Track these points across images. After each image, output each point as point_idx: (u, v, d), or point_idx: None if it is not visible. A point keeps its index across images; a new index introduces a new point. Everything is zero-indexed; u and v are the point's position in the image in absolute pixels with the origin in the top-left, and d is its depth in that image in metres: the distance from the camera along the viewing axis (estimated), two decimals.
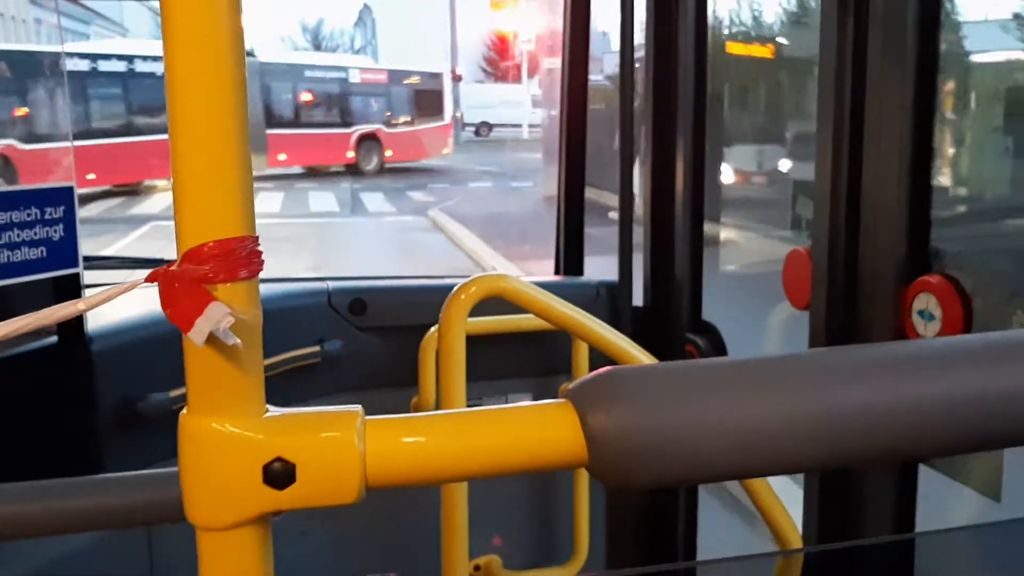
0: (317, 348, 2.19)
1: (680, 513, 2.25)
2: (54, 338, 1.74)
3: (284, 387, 2.13)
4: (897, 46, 1.46)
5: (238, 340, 0.51)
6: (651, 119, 2.27)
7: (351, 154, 23.15)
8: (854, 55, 1.52)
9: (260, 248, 0.55)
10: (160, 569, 1.87)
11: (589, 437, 0.56)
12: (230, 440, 0.54)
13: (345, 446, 0.54)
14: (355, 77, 23.65)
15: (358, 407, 0.57)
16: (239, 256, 0.53)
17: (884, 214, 1.49)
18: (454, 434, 0.57)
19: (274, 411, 0.57)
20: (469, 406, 2.16)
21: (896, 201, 1.47)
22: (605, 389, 0.57)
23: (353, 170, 23.07)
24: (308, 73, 23.17)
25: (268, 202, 17.36)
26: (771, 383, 0.58)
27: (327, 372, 2.23)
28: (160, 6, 0.52)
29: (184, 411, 0.55)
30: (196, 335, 0.50)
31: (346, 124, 23.14)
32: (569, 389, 0.59)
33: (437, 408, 2.13)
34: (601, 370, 0.59)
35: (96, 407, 1.80)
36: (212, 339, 0.51)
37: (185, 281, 0.52)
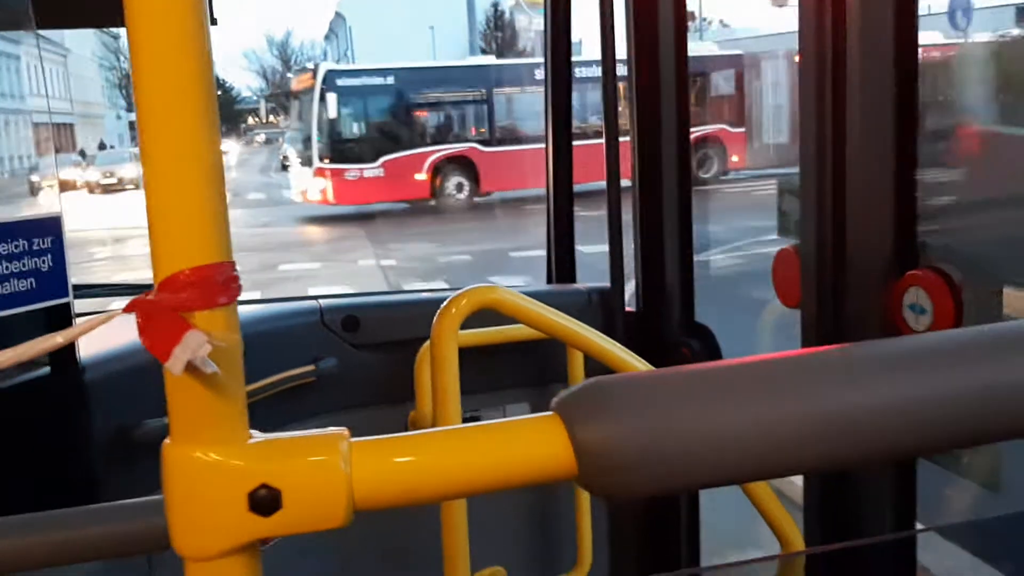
0: (312, 367, 2.18)
1: (682, 518, 2.24)
2: (47, 368, 1.73)
3: (280, 408, 2.12)
4: (876, 40, 1.46)
5: (216, 368, 0.51)
6: (636, 124, 2.27)
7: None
8: (833, 50, 1.53)
9: (237, 273, 0.54)
10: None
11: (578, 449, 0.55)
12: (214, 468, 0.53)
13: (330, 470, 0.54)
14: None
15: (343, 430, 0.57)
16: (216, 282, 0.53)
17: (870, 210, 1.49)
18: (441, 453, 0.57)
19: (258, 437, 0.56)
20: (466, 419, 2.17)
21: (881, 196, 1.47)
22: (592, 400, 0.57)
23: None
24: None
25: None
26: (759, 387, 0.58)
27: (323, 391, 2.22)
28: (127, 35, 0.52)
29: (167, 440, 0.55)
30: (174, 364, 0.50)
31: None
32: (556, 401, 0.59)
33: (434, 422, 2.12)
34: (587, 381, 0.59)
35: (90, 436, 1.79)
36: (191, 367, 0.51)
37: (162, 310, 0.52)
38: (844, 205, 1.55)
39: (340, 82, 18.24)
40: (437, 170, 18.80)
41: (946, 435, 0.59)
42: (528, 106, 18.85)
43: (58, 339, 0.54)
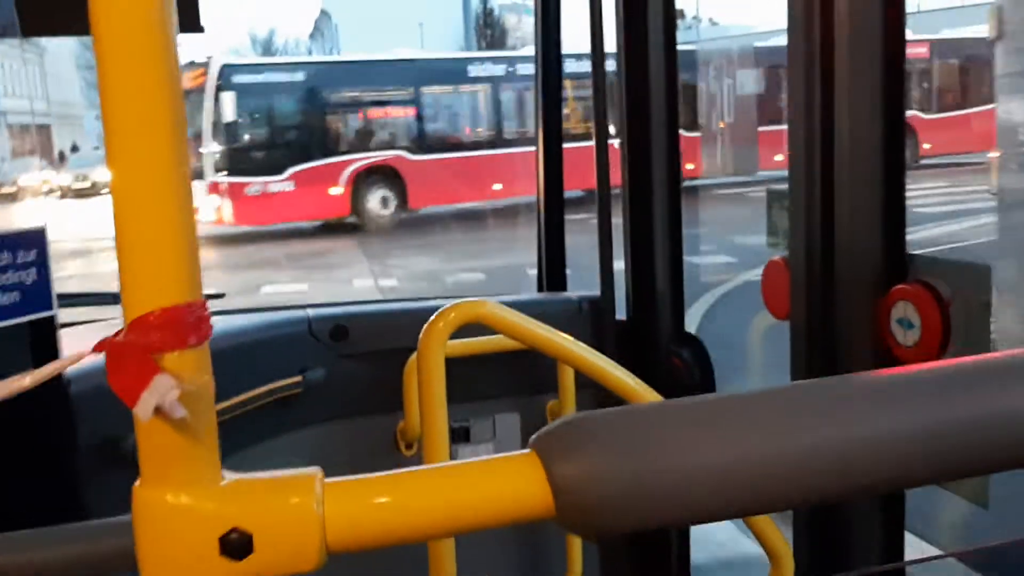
0: (299, 378, 2.17)
1: (672, 538, 2.24)
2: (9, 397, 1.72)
3: (268, 419, 2.11)
4: (865, 54, 1.46)
5: (185, 412, 0.50)
6: (625, 131, 2.26)
7: None
8: (822, 62, 1.52)
9: (208, 313, 0.54)
10: None
11: (555, 488, 0.55)
12: (184, 512, 0.53)
13: (303, 512, 0.53)
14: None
15: (317, 470, 0.56)
16: (187, 323, 0.52)
17: (858, 223, 1.49)
18: (416, 494, 0.56)
19: (230, 477, 0.56)
20: (455, 429, 2.16)
21: (869, 209, 1.47)
22: (569, 438, 0.56)
23: None
24: None
25: None
26: (739, 422, 0.57)
27: (311, 401, 2.21)
28: (97, 63, 0.51)
29: (137, 483, 0.54)
30: (142, 410, 0.49)
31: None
32: (533, 439, 0.58)
33: (422, 433, 2.11)
34: (565, 418, 0.58)
35: (75, 449, 1.78)
36: (159, 411, 0.50)
37: (131, 352, 0.51)
38: (833, 217, 1.55)
39: (239, 79, 15.34)
40: (357, 182, 16.09)
41: (935, 468, 0.58)
42: (465, 107, 17.12)
43: (26, 381, 0.54)
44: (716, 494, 0.56)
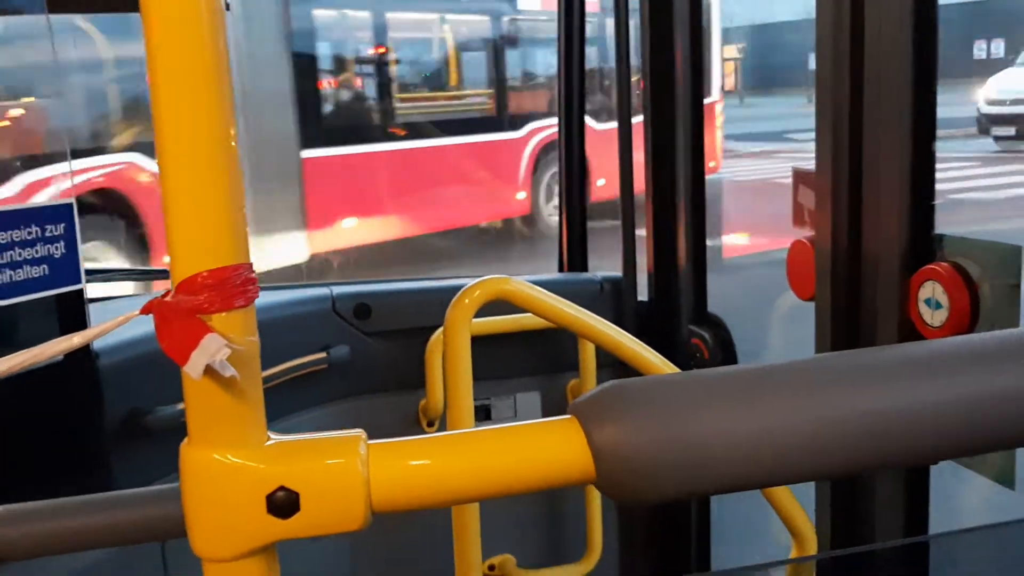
0: (323, 355, 2.18)
1: (692, 510, 2.24)
2: (60, 356, 1.74)
3: (292, 395, 2.12)
4: (895, 30, 1.44)
5: (235, 372, 0.51)
6: (649, 110, 2.25)
7: None
8: (851, 39, 1.51)
9: (255, 275, 0.54)
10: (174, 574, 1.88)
11: (596, 453, 0.55)
12: (232, 471, 0.53)
13: (349, 473, 0.54)
14: None
15: (360, 432, 0.57)
16: (234, 285, 0.53)
17: (886, 202, 1.48)
18: (458, 455, 0.57)
19: (276, 438, 0.56)
20: (477, 406, 2.17)
21: (898, 188, 1.45)
22: (610, 404, 0.57)
23: None
24: None
25: None
26: (778, 391, 0.58)
27: (335, 378, 2.23)
28: (145, 35, 0.52)
29: (185, 442, 0.55)
30: (192, 368, 0.49)
31: None
32: (573, 404, 0.58)
33: (445, 411, 2.12)
34: (605, 385, 0.59)
35: (104, 422, 1.80)
36: (210, 371, 0.50)
37: (180, 313, 0.51)
38: (860, 196, 1.54)
39: None
40: None
41: (964, 441, 0.58)
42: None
43: (75, 340, 0.54)
44: (752, 463, 0.56)
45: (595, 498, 2.25)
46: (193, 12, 0.51)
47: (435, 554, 1.95)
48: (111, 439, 1.82)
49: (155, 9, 0.51)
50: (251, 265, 0.54)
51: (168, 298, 0.52)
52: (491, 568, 2.25)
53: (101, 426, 1.81)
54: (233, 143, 0.53)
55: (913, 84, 1.43)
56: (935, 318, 1.40)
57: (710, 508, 2.25)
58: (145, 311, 0.53)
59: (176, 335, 0.51)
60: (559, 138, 2.66)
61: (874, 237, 1.51)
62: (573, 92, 2.61)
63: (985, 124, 15.09)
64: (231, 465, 0.53)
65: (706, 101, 2.38)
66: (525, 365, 2.41)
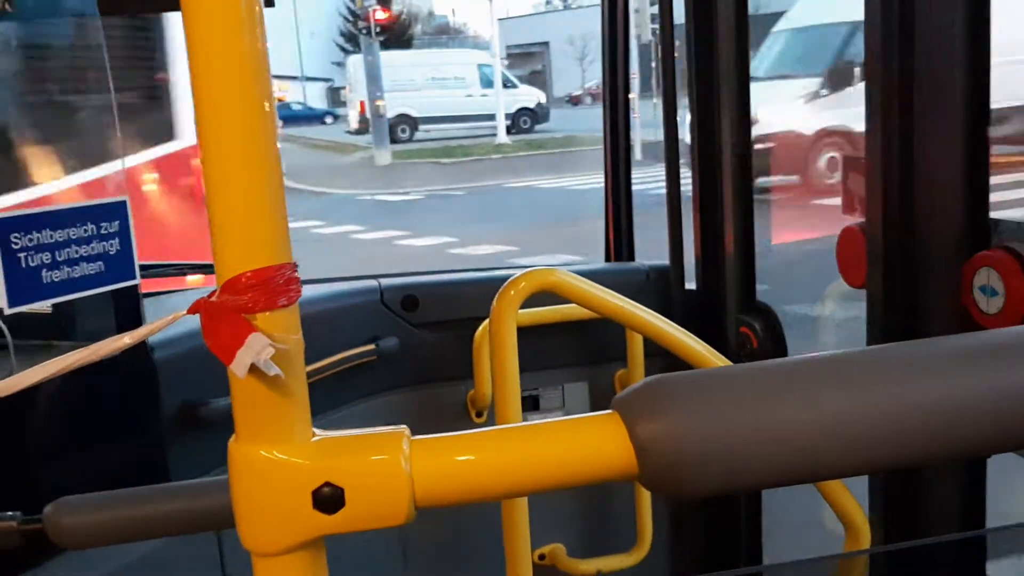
0: (373, 346, 2.21)
1: (743, 501, 2.22)
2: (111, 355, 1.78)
3: (342, 387, 2.15)
4: (946, 12, 1.41)
5: (279, 370, 0.52)
6: (695, 97, 2.23)
7: None
8: (900, 22, 1.48)
9: (297, 275, 0.55)
10: (231, 567, 1.92)
11: (638, 448, 0.55)
12: (278, 467, 0.54)
13: (392, 468, 0.55)
14: None
15: (404, 428, 0.58)
16: (277, 284, 0.54)
17: (939, 187, 1.45)
18: (501, 451, 0.57)
19: (321, 434, 0.57)
20: (525, 397, 2.17)
21: (951, 173, 1.42)
22: (652, 399, 0.57)
23: None
24: None
25: None
26: (822, 384, 0.57)
27: (384, 369, 2.25)
28: (186, 38, 0.53)
29: (233, 439, 0.56)
30: (238, 367, 0.50)
31: None
32: (615, 399, 0.58)
33: (492, 401, 2.13)
34: (648, 379, 0.58)
35: (160, 414, 1.84)
36: (255, 369, 0.51)
37: (225, 312, 0.53)
38: (912, 182, 1.51)
39: None
40: None
41: (1019, 433, 0.57)
42: None
43: (126, 339, 0.56)
44: (798, 457, 0.56)
45: (645, 491, 2.24)
46: (234, 14, 0.51)
47: (485, 542, 1.96)
48: (167, 431, 1.86)
49: (196, 11, 0.51)
50: (294, 265, 0.55)
51: (213, 298, 0.53)
52: (541, 557, 2.25)
53: (157, 418, 1.85)
54: (275, 144, 0.54)
55: (966, 66, 1.40)
56: (991, 305, 1.37)
57: (761, 500, 2.23)
58: (192, 311, 0.54)
59: (222, 334, 0.52)
60: (604, 127, 2.65)
61: (927, 223, 1.48)
62: (618, 81, 2.60)
63: None
64: (278, 461, 0.54)
65: None
66: (572, 355, 2.41)
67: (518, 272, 1.71)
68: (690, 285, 2.35)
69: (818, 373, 0.58)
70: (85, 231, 1.70)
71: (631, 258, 2.64)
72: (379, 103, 19.58)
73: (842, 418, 0.55)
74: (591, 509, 2.48)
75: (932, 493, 1.50)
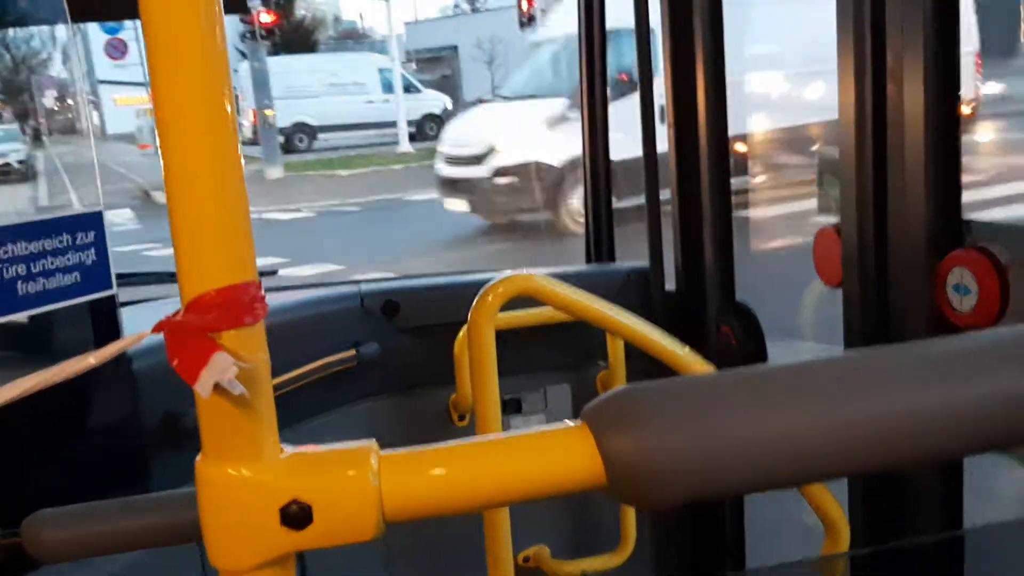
0: (353, 352, 2.20)
1: (727, 508, 2.23)
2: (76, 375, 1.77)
3: (324, 393, 2.14)
4: (916, 11, 1.42)
5: (244, 390, 0.52)
6: (671, 98, 2.24)
7: None
8: (872, 21, 1.49)
9: (262, 293, 0.55)
10: (213, 573, 1.91)
11: (606, 459, 0.55)
12: (246, 484, 0.54)
13: (360, 484, 0.55)
14: None
15: (372, 443, 0.58)
16: (242, 303, 0.53)
17: (912, 187, 1.46)
18: (470, 465, 0.57)
19: (289, 451, 0.57)
20: (507, 401, 2.17)
21: (923, 174, 1.43)
22: (620, 410, 0.57)
23: None
24: None
25: None
26: (792, 391, 0.57)
27: (366, 375, 2.24)
28: (146, 48, 0.52)
29: (200, 457, 0.56)
30: (202, 387, 0.50)
31: None
32: (585, 410, 0.58)
33: (474, 405, 2.13)
34: (616, 390, 0.59)
35: (141, 426, 1.83)
36: (219, 388, 0.51)
37: (190, 331, 0.52)
38: (885, 183, 1.52)
39: None
40: None
41: (995, 435, 0.57)
42: None
43: (90, 360, 0.55)
44: (768, 465, 0.56)
45: None
46: (194, 24, 0.51)
47: (468, 545, 1.96)
48: (148, 441, 1.85)
49: (155, 23, 0.51)
50: (259, 283, 0.55)
51: (178, 317, 0.53)
52: (525, 559, 2.26)
53: (138, 428, 1.84)
54: (239, 160, 0.54)
55: (935, 66, 1.41)
56: (964, 304, 1.38)
57: (743, 503, 2.24)
58: (156, 330, 0.54)
59: (186, 353, 0.52)
60: (582, 128, 2.65)
61: (900, 224, 1.49)
62: (595, 82, 2.60)
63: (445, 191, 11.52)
64: (244, 479, 0.54)
65: None
66: (554, 358, 2.41)
67: (497, 277, 1.72)
68: (670, 286, 2.36)
69: (788, 380, 0.58)
70: (60, 242, 1.69)
71: (611, 259, 2.65)
72: (268, 112, 18.23)
73: (813, 425, 0.55)
74: (575, 511, 2.48)
75: (910, 494, 1.51)
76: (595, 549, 2.33)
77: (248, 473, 0.54)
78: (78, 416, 1.74)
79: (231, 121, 0.53)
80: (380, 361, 2.25)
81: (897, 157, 1.49)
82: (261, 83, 18.48)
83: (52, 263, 1.67)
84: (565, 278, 1.72)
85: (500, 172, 10.65)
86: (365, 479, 0.55)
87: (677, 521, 2.41)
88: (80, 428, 1.75)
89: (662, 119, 2.25)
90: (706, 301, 2.22)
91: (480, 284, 1.73)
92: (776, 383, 0.58)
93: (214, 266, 0.53)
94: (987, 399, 0.56)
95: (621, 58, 7.06)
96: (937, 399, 0.56)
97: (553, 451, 0.57)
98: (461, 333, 2.15)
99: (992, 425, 0.56)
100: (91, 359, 0.55)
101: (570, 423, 0.58)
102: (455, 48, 35.03)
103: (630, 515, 2.25)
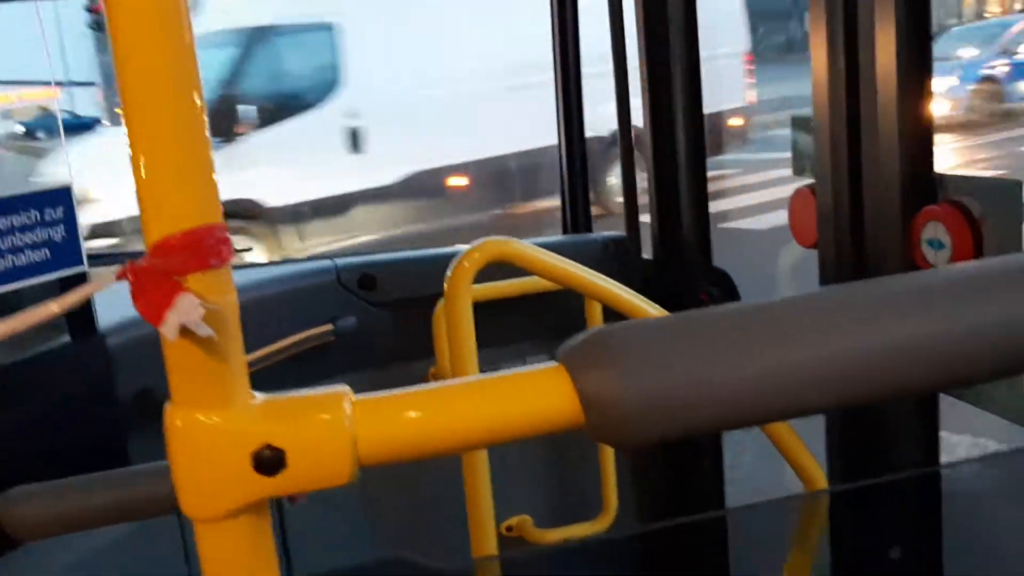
0: (331, 327, 2.19)
1: (705, 460, 2.25)
2: (67, 337, 1.75)
3: (301, 369, 2.13)
4: None
5: (211, 331, 0.51)
6: (645, 67, 2.23)
7: None
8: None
9: (228, 235, 0.54)
10: (194, 549, 1.89)
11: (584, 399, 0.55)
12: (216, 430, 0.53)
13: (334, 428, 0.54)
14: None
15: (346, 387, 0.57)
16: (208, 245, 0.52)
17: (884, 145, 1.46)
18: (444, 407, 0.56)
19: (261, 397, 0.56)
20: (485, 372, 2.17)
21: (895, 130, 1.44)
22: (596, 349, 0.56)
23: None
24: None
25: None
26: (767, 328, 0.57)
27: (344, 350, 2.23)
28: None
29: (168, 404, 0.55)
30: (167, 329, 0.49)
31: None
32: (560, 351, 0.58)
33: (453, 375, 2.13)
34: (591, 330, 0.58)
35: (117, 402, 1.81)
36: (186, 331, 0.50)
37: (154, 274, 0.51)
38: (859, 142, 1.52)
39: None
40: None
41: (966, 369, 0.57)
42: None
43: (53, 307, 0.54)
44: (744, 401, 0.56)
45: (608, 455, 2.25)
46: None
47: (451, 516, 1.96)
48: (125, 417, 1.83)
49: None
50: (224, 225, 0.54)
51: (142, 261, 0.52)
52: (508, 529, 2.26)
53: (113, 405, 1.82)
54: (199, 104, 0.53)
55: (906, 27, 1.41)
56: (938, 258, 1.39)
57: (721, 445, 2.25)
58: (121, 275, 0.52)
59: (151, 297, 0.51)
60: (556, 102, 2.64)
61: (874, 180, 1.50)
62: (568, 55, 2.59)
63: None
64: (215, 424, 0.53)
65: None
66: (535, 329, 2.41)
67: (474, 243, 1.71)
68: (647, 255, 2.36)
69: (763, 317, 0.58)
70: (29, 218, 1.67)
71: (588, 230, 2.64)
72: None
73: (786, 360, 0.55)
74: (556, 479, 2.49)
75: (887, 430, 1.52)
76: (578, 517, 2.33)
77: (218, 419, 0.53)
78: (53, 393, 1.72)
79: (191, 54, 0.52)
80: (358, 335, 2.24)
81: (870, 115, 1.49)
82: (111, 76, 17.38)
83: (21, 240, 1.65)
84: (542, 247, 1.72)
85: None
86: (339, 422, 0.54)
87: (658, 460, 2.42)
88: (55, 405, 1.73)
89: None
90: (684, 267, 2.22)
91: (456, 256, 1.73)
92: (751, 320, 0.58)
93: (177, 209, 0.52)
94: (960, 332, 0.56)
95: None
96: (909, 332, 0.56)
97: (530, 392, 0.56)
98: (439, 304, 2.15)
99: (965, 359, 0.56)
100: (54, 307, 0.54)
101: (547, 364, 0.57)
102: None
103: (611, 481, 2.26)
